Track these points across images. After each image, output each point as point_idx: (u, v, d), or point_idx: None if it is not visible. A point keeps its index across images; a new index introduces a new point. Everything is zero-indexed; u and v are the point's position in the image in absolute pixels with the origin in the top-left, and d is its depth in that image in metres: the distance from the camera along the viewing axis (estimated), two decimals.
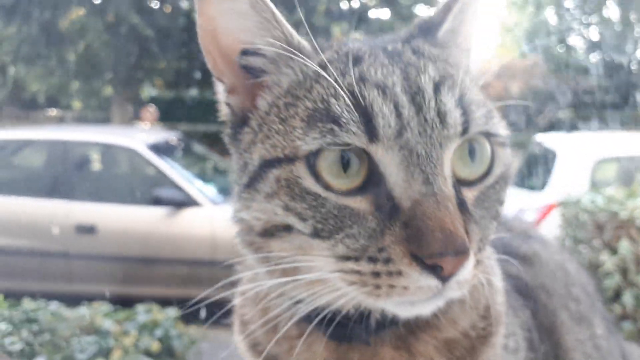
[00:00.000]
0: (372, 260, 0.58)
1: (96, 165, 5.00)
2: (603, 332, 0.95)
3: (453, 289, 0.58)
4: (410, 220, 0.56)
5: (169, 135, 5.45)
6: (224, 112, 0.73)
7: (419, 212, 0.56)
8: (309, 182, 0.61)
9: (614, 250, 2.78)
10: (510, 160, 0.68)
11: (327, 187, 0.60)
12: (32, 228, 4.31)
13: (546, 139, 4.85)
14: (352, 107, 0.59)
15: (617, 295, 2.75)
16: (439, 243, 0.55)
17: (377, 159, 0.59)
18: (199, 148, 5.63)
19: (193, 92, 7.85)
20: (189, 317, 3.23)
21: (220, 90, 0.73)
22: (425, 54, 0.67)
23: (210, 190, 4.60)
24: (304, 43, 0.68)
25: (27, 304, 3.21)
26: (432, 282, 0.56)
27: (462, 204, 0.60)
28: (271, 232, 0.63)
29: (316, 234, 0.61)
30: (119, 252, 4.23)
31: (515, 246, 0.92)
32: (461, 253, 0.56)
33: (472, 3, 0.74)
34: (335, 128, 0.59)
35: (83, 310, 3.22)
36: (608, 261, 2.75)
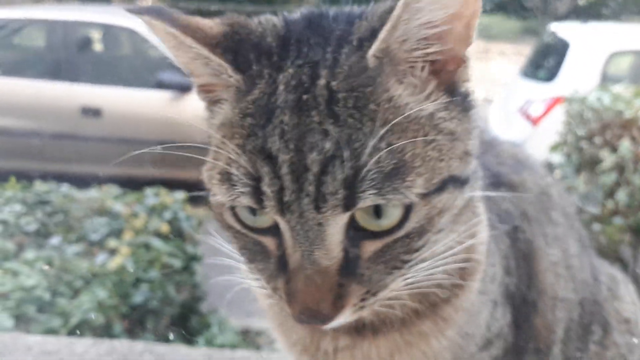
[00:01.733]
0: (273, 289, 0.65)
1: (98, 46, 4.92)
2: (576, 250, 1.01)
3: (336, 325, 0.64)
4: (290, 282, 0.61)
5: None
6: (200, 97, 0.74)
7: (292, 281, 0.61)
8: (230, 220, 0.65)
9: (614, 149, 2.83)
10: (442, 205, 0.62)
11: (244, 225, 0.64)
12: (37, 110, 4.33)
13: (560, 28, 4.69)
14: (245, 178, 0.60)
15: (612, 192, 2.84)
16: (299, 314, 0.61)
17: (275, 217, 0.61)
18: None
19: None
20: (197, 200, 3.37)
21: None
22: (335, 107, 0.59)
23: None
24: (238, 80, 0.64)
25: (39, 186, 3.34)
26: (308, 323, 0.63)
27: (347, 265, 0.60)
28: None
29: (240, 253, 0.68)
30: (125, 135, 4.30)
31: (504, 174, 0.94)
32: (321, 323, 0.61)
33: (423, 13, 0.59)
34: (234, 191, 0.61)
35: (93, 193, 3.36)
36: (607, 159, 2.81)
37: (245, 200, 0.60)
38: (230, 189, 0.61)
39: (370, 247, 0.61)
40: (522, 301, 0.87)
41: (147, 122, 4.35)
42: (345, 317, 0.62)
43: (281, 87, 0.61)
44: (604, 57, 4.16)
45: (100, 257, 2.89)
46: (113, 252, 2.92)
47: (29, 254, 2.79)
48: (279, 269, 0.63)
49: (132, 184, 3.46)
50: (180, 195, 3.34)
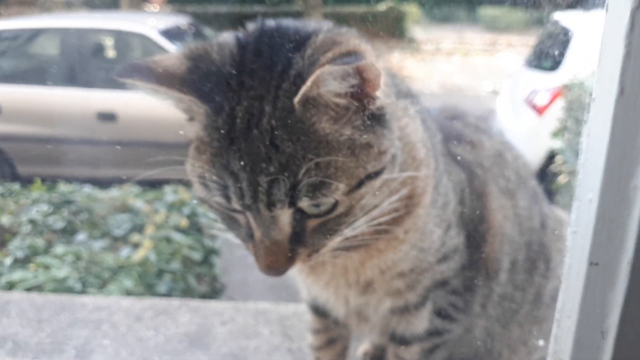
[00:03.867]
0: (246, 248, 0.90)
1: (110, 52, 5.23)
2: (525, 203, 1.25)
3: (292, 271, 0.92)
4: (255, 248, 0.87)
5: (180, 20, 5.58)
6: None
7: (256, 248, 0.86)
8: (210, 201, 0.89)
9: None
10: (361, 195, 0.86)
11: (220, 205, 0.87)
12: (55, 116, 4.61)
13: (564, 18, 4.88)
14: (216, 186, 0.83)
15: None
16: (262, 269, 0.86)
17: None
18: (209, 32, 5.77)
19: None
20: None
21: None
22: (276, 140, 0.80)
23: None
24: (206, 110, 0.84)
25: (63, 187, 3.64)
26: (270, 275, 0.88)
27: (295, 236, 0.86)
28: None
29: (221, 223, 0.93)
30: (140, 138, 4.59)
31: (465, 134, 1.22)
32: (280, 274, 0.87)
33: (330, 85, 0.79)
34: (210, 192, 0.84)
35: (114, 192, 3.66)
36: None
37: (218, 199, 0.85)
38: (206, 190, 0.86)
39: (312, 224, 0.87)
40: (474, 228, 1.15)
41: (160, 124, 4.65)
42: (297, 267, 0.90)
43: (238, 121, 0.82)
44: None
45: (125, 251, 3.17)
46: (136, 246, 3.19)
47: (59, 249, 3.05)
48: (248, 236, 0.88)
49: (150, 183, 3.75)
50: None
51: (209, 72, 0.86)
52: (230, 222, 0.91)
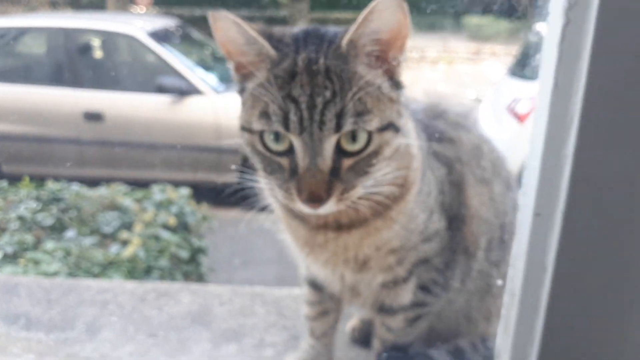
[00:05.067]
0: (285, 190, 1.06)
1: (97, 53, 5.34)
2: (499, 189, 1.44)
3: (326, 210, 1.05)
4: (299, 179, 1.03)
5: (168, 22, 5.69)
6: (234, 77, 1.13)
7: (301, 179, 1.02)
8: (259, 146, 1.07)
9: None
10: (386, 140, 1.06)
11: (268, 149, 1.06)
12: (41, 115, 4.68)
13: (545, 28, 5.12)
14: (279, 112, 1.02)
15: None
16: (305, 197, 1.02)
17: (292, 140, 1.02)
18: (196, 34, 5.88)
19: None
20: (199, 198, 3.81)
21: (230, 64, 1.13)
22: (330, 74, 1.02)
23: (212, 78, 4.95)
24: (273, 55, 1.06)
25: (52, 184, 3.75)
26: (307, 209, 1.05)
27: (334, 170, 1.03)
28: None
29: (263, 171, 1.10)
30: (127, 138, 4.71)
31: (446, 131, 1.40)
32: (317, 204, 1.03)
33: (371, 20, 1.00)
34: (271, 122, 1.02)
35: (103, 190, 3.78)
36: None
37: (277, 126, 1.02)
38: (267, 120, 1.03)
39: (347, 163, 1.04)
40: (454, 214, 1.33)
41: (147, 125, 4.78)
42: (331, 205, 1.05)
43: (299, 62, 1.04)
44: None
45: (114, 248, 3.29)
46: (125, 243, 3.31)
47: (49, 245, 3.16)
48: (290, 176, 1.05)
49: (137, 184, 3.88)
50: (185, 191, 3.76)
51: (273, 38, 1.09)
52: (274, 166, 1.08)
